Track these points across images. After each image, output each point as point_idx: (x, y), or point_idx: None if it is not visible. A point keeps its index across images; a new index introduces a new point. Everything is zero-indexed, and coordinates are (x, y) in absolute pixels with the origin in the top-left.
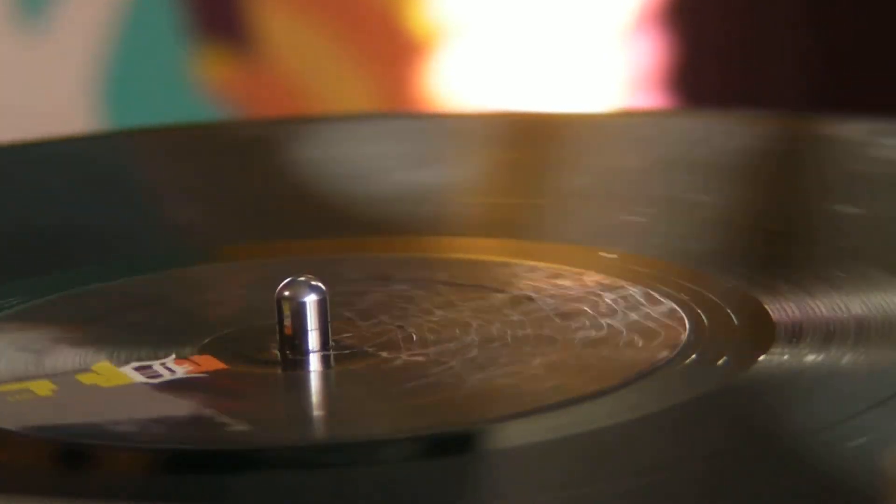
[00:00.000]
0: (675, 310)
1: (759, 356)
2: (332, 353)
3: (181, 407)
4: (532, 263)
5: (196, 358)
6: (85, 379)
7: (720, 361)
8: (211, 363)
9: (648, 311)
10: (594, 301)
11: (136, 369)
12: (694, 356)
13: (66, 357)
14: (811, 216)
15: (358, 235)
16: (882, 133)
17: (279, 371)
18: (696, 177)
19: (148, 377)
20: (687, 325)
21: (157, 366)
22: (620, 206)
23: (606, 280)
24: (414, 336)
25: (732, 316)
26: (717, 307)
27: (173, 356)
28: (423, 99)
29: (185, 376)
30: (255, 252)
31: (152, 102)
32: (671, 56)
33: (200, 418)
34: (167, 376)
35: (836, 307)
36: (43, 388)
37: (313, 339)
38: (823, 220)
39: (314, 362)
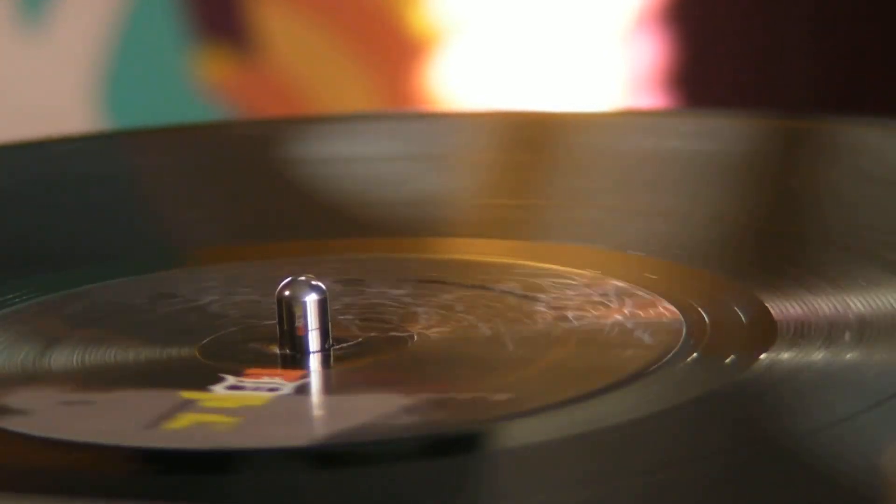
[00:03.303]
0: (675, 309)
1: (760, 355)
2: (332, 352)
3: (392, 399)
4: (532, 263)
5: (251, 371)
6: (233, 403)
7: (721, 361)
8: (276, 372)
9: (649, 310)
10: (594, 301)
11: (230, 388)
12: (694, 356)
13: (67, 358)
14: (812, 216)
15: (358, 235)
16: (883, 132)
17: (279, 370)
18: (697, 176)
19: (269, 390)
20: (687, 325)
21: (246, 382)
22: (621, 207)
23: (606, 280)
24: (414, 336)
25: (733, 315)
26: (718, 306)
27: (230, 378)
28: (423, 98)
29: (297, 382)
30: (254, 252)
31: (152, 102)
32: (672, 56)
33: (434, 401)
34: (286, 389)
35: (838, 306)
36: (221, 419)
37: (313, 339)
38: (825, 220)
39: (314, 362)
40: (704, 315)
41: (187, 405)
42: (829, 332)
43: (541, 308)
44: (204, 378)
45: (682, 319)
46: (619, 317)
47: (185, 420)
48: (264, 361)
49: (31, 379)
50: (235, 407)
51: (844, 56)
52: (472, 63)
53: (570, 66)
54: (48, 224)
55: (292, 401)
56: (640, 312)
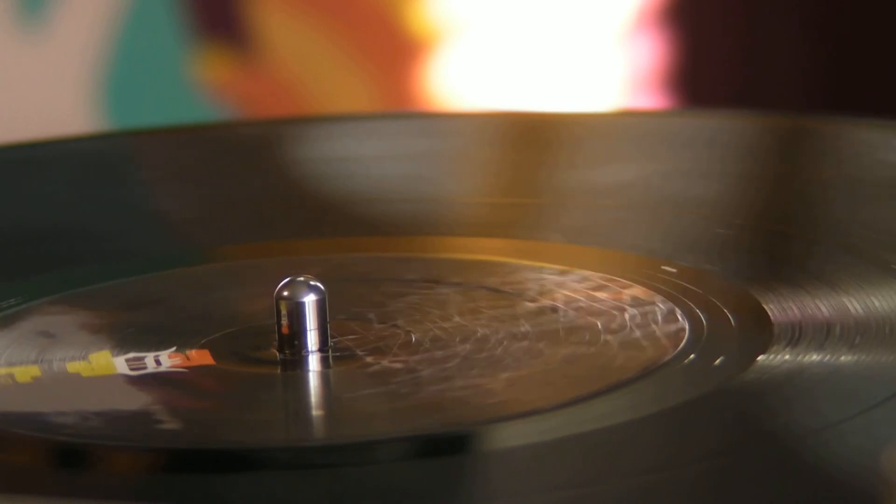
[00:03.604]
0: (674, 310)
1: (758, 356)
2: (330, 353)
3: (134, 401)
4: (531, 263)
5: (192, 353)
6: (71, 368)
7: (719, 361)
8: (204, 358)
9: (648, 311)
10: (593, 301)
11: (128, 360)
12: (693, 356)
13: (64, 357)
14: (811, 216)
15: (358, 235)
16: (882, 132)
17: (278, 371)
18: (696, 176)
19: (132, 369)
20: (686, 325)
21: (148, 358)
22: (619, 207)
23: (605, 280)
24: (413, 336)
25: (731, 316)
26: (717, 307)
27: (172, 349)
28: (423, 99)
29: (166, 370)
30: (254, 252)
31: (152, 102)
32: (671, 56)
33: (138, 415)
34: (150, 369)
35: (836, 307)
36: (26, 374)
37: (312, 339)
38: (823, 220)
39: (313, 362)
40: (702, 316)
41: (54, 361)
42: (826, 333)
43: (540, 308)
44: (146, 347)
45: (681, 320)
46: (617, 317)
47: (14, 369)
48: (260, 362)
49: (22, 365)
50: (72, 372)
51: (844, 56)
52: (472, 63)
53: (569, 67)
54: (48, 224)
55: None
56: (639, 313)
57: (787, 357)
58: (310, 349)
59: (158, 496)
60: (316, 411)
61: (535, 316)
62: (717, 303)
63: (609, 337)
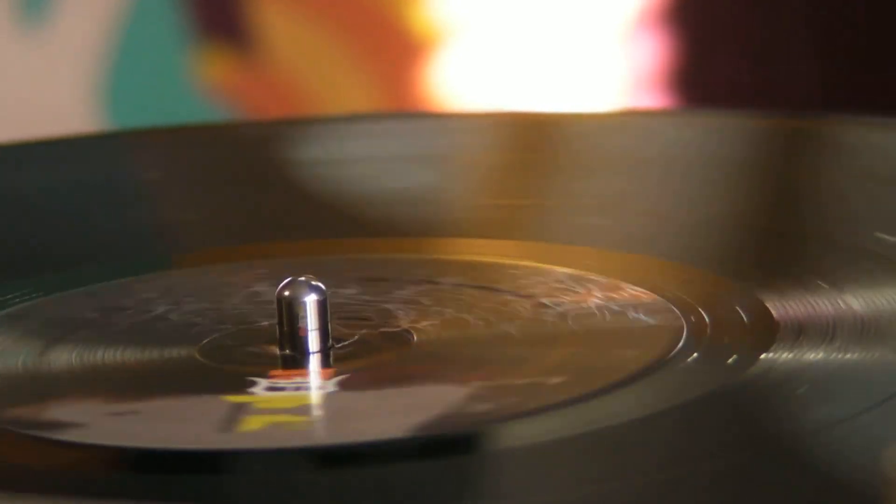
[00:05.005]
0: (675, 309)
1: (760, 355)
2: (332, 353)
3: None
4: (532, 264)
5: (275, 373)
6: (288, 403)
7: (722, 361)
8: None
9: (649, 310)
10: (594, 301)
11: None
12: (695, 356)
13: (65, 358)
14: (812, 215)
15: (358, 235)
16: (884, 132)
17: (278, 371)
18: (698, 176)
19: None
20: (687, 325)
21: (280, 382)
22: (621, 207)
23: (606, 280)
24: (414, 336)
25: (734, 315)
26: (719, 306)
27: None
28: (424, 99)
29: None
30: (254, 252)
31: (152, 102)
32: (673, 56)
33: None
34: (329, 387)
35: (838, 306)
36: (291, 419)
37: (313, 340)
38: (826, 219)
39: (314, 362)
40: (705, 315)
41: (243, 408)
42: (829, 331)
43: (540, 308)
44: (230, 382)
45: (683, 319)
46: (618, 316)
47: (257, 422)
48: (265, 362)
49: (49, 386)
50: (293, 406)
51: (844, 55)
52: (473, 63)
53: (570, 67)
54: (48, 224)
55: (347, 397)
56: (640, 312)
57: (789, 355)
58: (311, 349)
59: (158, 496)
60: (317, 411)
61: (537, 316)
62: (720, 301)
63: (611, 337)
